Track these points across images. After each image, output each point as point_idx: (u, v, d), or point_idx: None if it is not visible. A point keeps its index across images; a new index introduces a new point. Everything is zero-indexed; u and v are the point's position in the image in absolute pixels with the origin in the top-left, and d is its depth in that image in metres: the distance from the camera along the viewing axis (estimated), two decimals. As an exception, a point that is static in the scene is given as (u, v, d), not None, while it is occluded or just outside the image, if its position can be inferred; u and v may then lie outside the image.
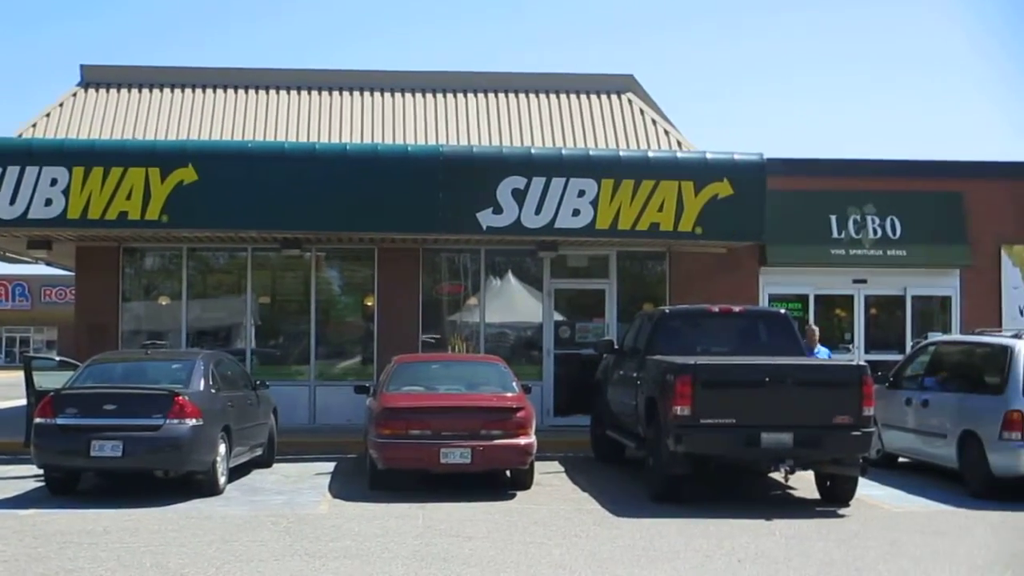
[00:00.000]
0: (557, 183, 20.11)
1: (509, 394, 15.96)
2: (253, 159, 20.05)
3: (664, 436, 14.43)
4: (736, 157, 20.68)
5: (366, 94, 24.74)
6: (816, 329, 19.00)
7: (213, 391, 15.61)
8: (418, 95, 24.79)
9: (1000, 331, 18.50)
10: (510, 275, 23.55)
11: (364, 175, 19.98)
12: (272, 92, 24.54)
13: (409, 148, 21.06)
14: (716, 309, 17.33)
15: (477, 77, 25.41)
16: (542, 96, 25.17)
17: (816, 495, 15.22)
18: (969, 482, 15.68)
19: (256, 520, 13.34)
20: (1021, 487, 15.24)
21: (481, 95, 25.09)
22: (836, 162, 23.95)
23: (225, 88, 24.54)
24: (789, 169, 22.73)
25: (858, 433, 14.28)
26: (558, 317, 23.16)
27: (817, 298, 23.38)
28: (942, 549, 12.00)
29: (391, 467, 15.24)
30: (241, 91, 24.50)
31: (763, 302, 22.91)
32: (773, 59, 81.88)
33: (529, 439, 15.32)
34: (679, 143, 23.69)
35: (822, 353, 17.43)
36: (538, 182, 20.11)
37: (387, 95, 24.74)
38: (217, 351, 18.50)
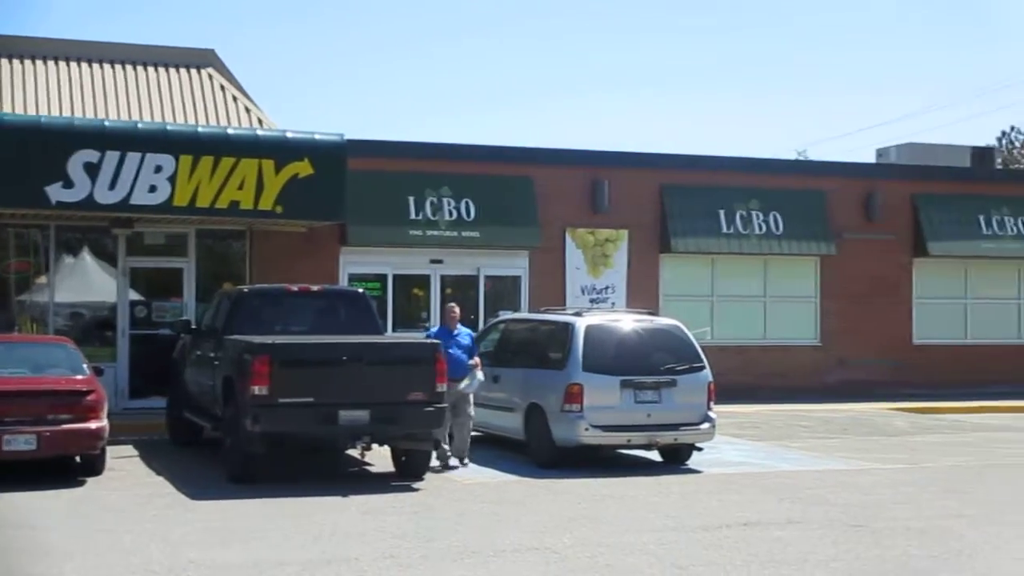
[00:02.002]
0: (132, 158, 19.44)
1: (78, 376, 15.35)
2: None
3: (242, 416, 14.35)
4: (317, 137, 20.76)
5: (-79, 56, 23.02)
6: (456, 308, 17.22)
7: None
8: (-19, 60, 23.32)
9: (564, 309, 19.63)
10: (85, 252, 22.60)
11: (-82, 143, 18.51)
12: None
13: (-31, 116, 19.74)
14: (295, 288, 17.39)
15: (47, 43, 24.21)
16: (117, 67, 24.31)
17: (392, 470, 15.61)
18: (535, 452, 16.56)
19: None
20: (581, 455, 16.27)
21: (51, 63, 23.89)
22: (415, 145, 24.60)
23: None
24: (370, 150, 23.13)
25: (431, 409, 14.76)
26: (135, 296, 22.45)
27: (396, 278, 23.93)
28: (508, 516, 12.63)
29: (-53, 456, 14.30)
30: None
31: (343, 281, 23.19)
32: (360, 40, 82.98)
33: (100, 423, 14.81)
34: (260, 121, 23.53)
35: (463, 335, 16.67)
36: (112, 156, 19.36)
37: (-55, 58, 23.12)
38: None
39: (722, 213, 25.87)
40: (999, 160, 49.71)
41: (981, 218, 27.68)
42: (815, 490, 14.55)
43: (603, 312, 18.80)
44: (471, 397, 16.38)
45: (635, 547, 11.09)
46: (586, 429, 15.88)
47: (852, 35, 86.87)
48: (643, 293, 24.94)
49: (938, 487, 14.88)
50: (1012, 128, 57.26)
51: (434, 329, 17.38)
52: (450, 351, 15.88)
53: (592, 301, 24.74)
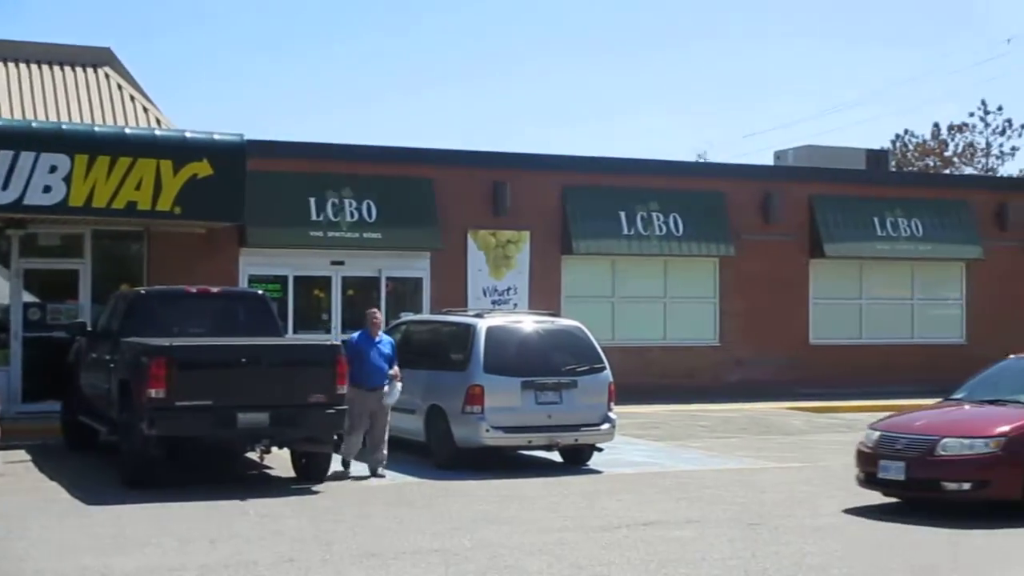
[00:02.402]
0: (26, 157, 19.08)
1: (-31, 381, 15.04)
2: None
3: (138, 419, 14.15)
4: (216, 137, 20.54)
5: None
6: (379, 314, 16.58)
7: None
8: None
9: (465, 311, 19.63)
10: (-23, 254, 22.12)
11: None
12: None
13: None
14: (194, 290, 17.19)
15: (-63, 39, 23.62)
16: (11, 65, 23.84)
17: (292, 473, 15.48)
18: (436, 454, 16.54)
19: None
20: (482, 457, 16.28)
21: (-59, 60, 23.34)
22: (315, 145, 24.46)
23: None
24: (271, 151, 22.95)
25: (332, 411, 14.68)
26: (29, 298, 22.01)
27: (296, 279, 23.74)
28: (409, 518, 12.61)
29: None
30: None
31: (243, 283, 22.94)
32: (262, 39, 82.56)
33: (-8, 428, 14.53)
34: (158, 120, 23.22)
35: (384, 343, 16.01)
36: (5, 155, 18.99)
37: None
38: None
39: (623, 215, 26.05)
40: (893, 163, 50.81)
41: (876, 219, 28.21)
42: (714, 489, 14.74)
43: (504, 313, 18.84)
44: (388, 408, 15.95)
45: (535, 548, 11.14)
46: (487, 430, 15.90)
47: (748, 39, 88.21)
48: (545, 294, 25.04)
49: (833, 485, 15.13)
50: (906, 131, 58.49)
51: (355, 335, 16.76)
52: (371, 359, 15.73)
53: (494, 302, 24.76)
